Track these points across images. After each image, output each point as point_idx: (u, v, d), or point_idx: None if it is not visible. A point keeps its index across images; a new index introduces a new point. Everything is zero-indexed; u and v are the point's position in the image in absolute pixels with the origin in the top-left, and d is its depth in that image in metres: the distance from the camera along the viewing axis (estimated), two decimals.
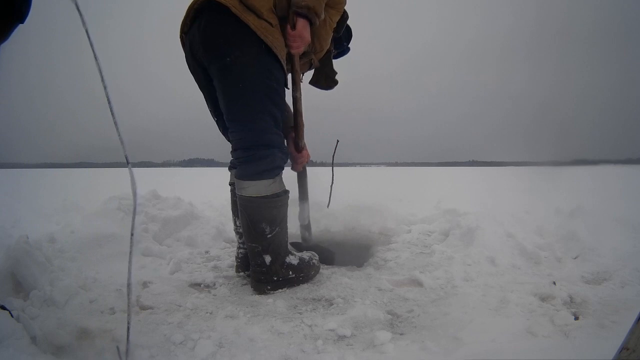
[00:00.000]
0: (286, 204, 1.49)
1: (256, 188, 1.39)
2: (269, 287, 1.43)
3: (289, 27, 1.43)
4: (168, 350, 1.03)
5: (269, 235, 1.42)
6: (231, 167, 1.65)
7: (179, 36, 1.50)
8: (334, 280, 1.51)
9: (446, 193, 3.11)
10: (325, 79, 1.77)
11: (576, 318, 1.18)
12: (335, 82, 1.78)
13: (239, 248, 1.64)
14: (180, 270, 1.65)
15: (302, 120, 1.59)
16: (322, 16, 1.45)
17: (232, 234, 2.21)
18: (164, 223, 2.06)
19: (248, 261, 1.60)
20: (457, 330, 1.11)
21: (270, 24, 1.36)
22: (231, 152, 1.54)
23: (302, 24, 1.42)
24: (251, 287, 1.46)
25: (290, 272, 1.46)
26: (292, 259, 1.49)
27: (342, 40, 1.78)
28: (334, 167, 1.92)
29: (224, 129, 1.56)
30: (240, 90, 1.34)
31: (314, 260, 1.56)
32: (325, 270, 1.69)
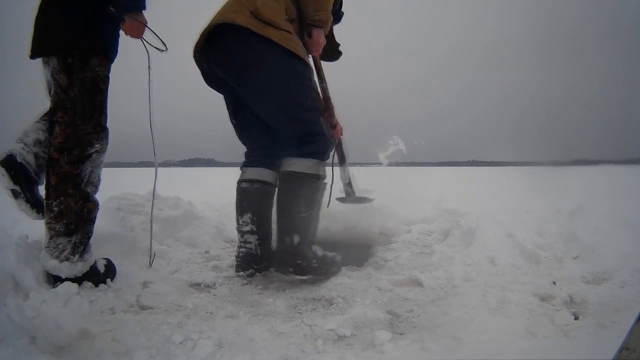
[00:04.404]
0: (323, 192, 1.62)
1: (304, 164, 1.51)
2: (291, 270, 1.48)
3: (305, 36, 1.62)
4: (168, 350, 1.03)
5: (302, 214, 1.49)
6: (245, 166, 1.71)
7: (192, 55, 1.61)
8: (334, 280, 1.51)
9: (446, 193, 3.11)
10: (330, 51, 1.87)
11: (576, 318, 1.18)
12: (339, 53, 1.91)
13: (240, 247, 1.64)
14: (180, 270, 1.65)
15: (331, 102, 1.78)
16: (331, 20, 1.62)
17: (232, 234, 2.20)
18: (164, 223, 2.06)
19: (249, 260, 1.60)
20: (457, 330, 1.11)
21: (289, 32, 1.50)
22: (248, 149, 1.70)
23: (317, 33, 1.62)
24: (275, 269, 1.55)
25: (314, 261, 1.50)
26: (318, 250, 1.55)
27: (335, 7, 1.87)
28: (334, 167, 1.91)
29: (240, 133, 1.72)
30: (283, 96, 1.50)
31: (337, 259, 1.61)
32: None
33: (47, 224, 1.32)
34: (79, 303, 1.14)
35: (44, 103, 1.39)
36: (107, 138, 1.40)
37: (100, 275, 1.39)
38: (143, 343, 1.06)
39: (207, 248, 2.00)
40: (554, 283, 1.43)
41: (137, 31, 1.36)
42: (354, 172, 2.13)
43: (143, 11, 1.36)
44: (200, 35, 1.53)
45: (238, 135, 1.74)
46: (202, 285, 1.51)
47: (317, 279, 1.56)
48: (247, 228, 1.62)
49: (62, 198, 1.31)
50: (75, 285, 1.22)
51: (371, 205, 2.20)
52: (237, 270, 1.61)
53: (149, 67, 1.50)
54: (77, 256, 1.32)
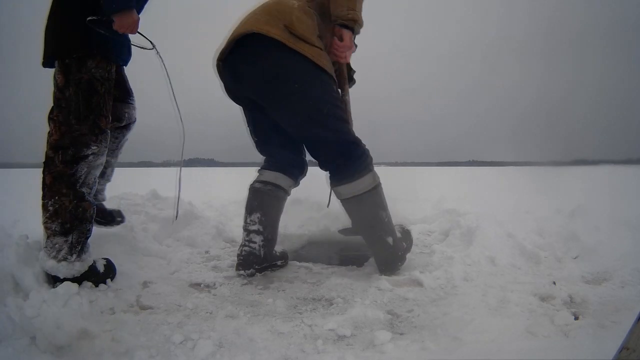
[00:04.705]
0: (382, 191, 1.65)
1: (367, 181, 1.54)
2: (400, 264, 1.60)
3: (335, 39, 1.56)
4: (168, 350, 1.03)
5: (386, 219, 1.59)
6: (263, 168, 1.71)
7: (215, 65, 1.61)
8: (333, 280, 1.51)
9: (446, 193, 3.11)
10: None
11: (576, 318, 1.18)
12: (354, 81, 1.87)
13: (243, 245, 1.62)
14: (180, 270, 1.65)
15: (351, 116, 1.75)
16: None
17: (232, 234, 2.21)
18: (164, 223, 2.06)
19: (251, 260, 1.60)
20: (457, 330, 1.11)
21: (320, 49, 1.51)
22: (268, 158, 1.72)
23: (348, 36, 1.55)
24: (379, 272, 1.58)
25: (404, 243, 1.65)
26: (397, 233, 1.65)
27: None
28: None
29: (262, 148, 1.73)
30: (315, 110, 1.49)
31: (407, 229, 1.75)
32: (325, 270, 1.69)
33: (43, 223, 1.33)
34: (78, 303, 1.14)
35: (45, 103, 1.41)
36: (106, 141, 1.40)
37: (99, 275, 1.39)
38: (143, 343, 1.06)
39: (207, 248, 2.00)
40: (554, 283, 1.43)
41: (129, 27, 1.35)
42: None
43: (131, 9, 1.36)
44: (227, 44, 1.53)
45: (259, 150, 1.76)
46: (202, 285, 1.51)
47: (318, 280, 1.56)
48: (254, 227, 1.62)
49: (56, 197, 1.32)
50: (75, 285, 1.22)
51: None
52: (237, 269, 1.61)
53: (163, 65, 1.59)
54: (74, 256, 1.32)
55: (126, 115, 1.62)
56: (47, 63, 1.40)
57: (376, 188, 1.57)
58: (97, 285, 1.36)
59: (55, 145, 1.33)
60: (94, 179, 1.40)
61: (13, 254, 1.29)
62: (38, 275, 1.29)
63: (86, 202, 1.36)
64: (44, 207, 1.33)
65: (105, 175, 1.64)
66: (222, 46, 1.56)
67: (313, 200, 2.38)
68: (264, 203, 1.65)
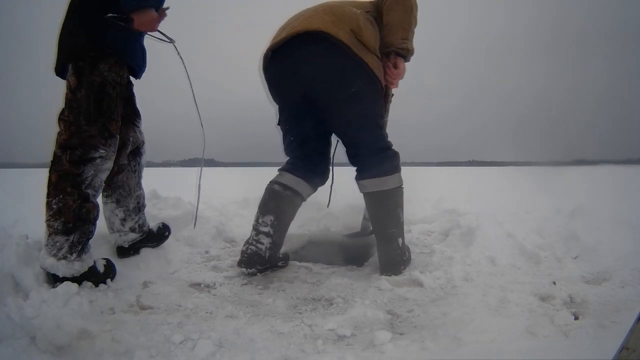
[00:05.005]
0: None
1: (394, 180, 1.62)
2: (403, 267, 1.62)
3: (389, 66, 1.65)
4: (168, 350, 1.03)
5: (401, 220, 1.65)
6: (285, 170, 1.71)
7: (263, 56, 1.63)
8: (333, 280, 1.51)
9: (446, 193, 3.11)
10: None
11: (576, 318, 1.18)
12: (390, 99, 1.93)
13: (250, 243, 1.60)
14: (180, 270, 1.65)
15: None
16: None
17: (232, 234, 2.21)
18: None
19: (255, 260, 1.59)
20: (457, 330, 1.11)
21: (379, 57, 1.59)
22: (294, 159, 1.73)
23: (403, 65, 1.67)
24: (382, 272, 1.58)
25: (406, 252, 1.68)
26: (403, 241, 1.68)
27: None
28: (334, 167, 1.91)
29: (295, 147, 1.73)
30: (366, 113, 1.58)
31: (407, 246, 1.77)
32: (325, 270, 1.69)
33: (46, 221, 1.33)
34: (79, 303, 1.14)
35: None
36: (114, 146, 1.41)
37: (99, 276, 1.39)
38: (143, 343, 1.06)
39: (207, 248, 1.99)
40: (554, 283, 1.43)
41: (149, 25, 1.38)
42: None
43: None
44: (285, 36, 1.54)
45: (289, 151, 1.75)
46: (202, 285, 1.51)
47: (318, 280, 1.56)
48: (265, 229, 1.61)
49: (61, 196, 1.32)
50: (75, 285, 1.22)
51: None
52: (239, 265, 1.60)
53: (183, 63, 1.62)
54: (74, 255, 1.32)
55: (131, 139, 1.58)
56: (60, 69, 1.42)
57: (400, 188, 1.65)
58: (97, 286, 1.37)
59: (63, 145, 1.34)
60: (100, 182, 1.41)
61: (13, 254, 1.29)
62: (38, 275, 1.29)
63: (90, 203, 1.37)
64: (48, 205, 1.33)
65: (141, 207, 1.66)
66: (277, 38, 1.57)
67: (313, 201, 2.38)
68: (280, 207, 1.65)
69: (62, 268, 1.30)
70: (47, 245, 1.32)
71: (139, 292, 1.40)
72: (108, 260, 1.45)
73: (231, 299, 1.39)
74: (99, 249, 1.61)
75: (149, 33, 1.45)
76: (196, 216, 1.92)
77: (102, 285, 1.37)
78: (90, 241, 1.40)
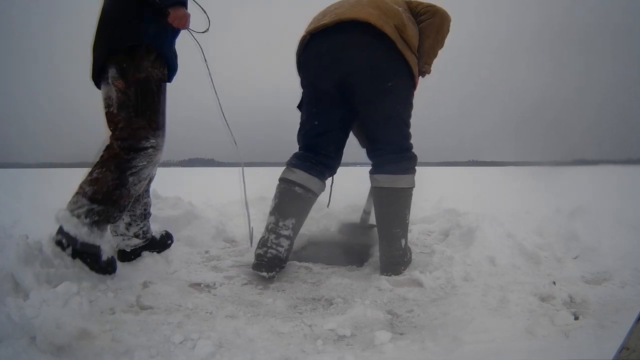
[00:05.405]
0: None
1: (408, 180, 1.65)
2: (403, 268, 1.62)
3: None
4: (168, 350, 1.03)
5: (407, 221, 1.67)
6: (302, 169, 1.66)
7: (301, 39, 1.64)
8: (333, 280, 1.51)
9: (446, 193, 3.11)
10: None
11: (576, 318, 1.18)
12: None
13: (269, 247, 1.56)
14: (180, 270, 1.65)
15: None
16: None
17: (232, 234, 2.21)
18: (164, 223, 2.06)
19: (275, 263, 1.56)
20: (457, 330, 1.11)
21: (416, 57, 1.64)
22: (309, 152, 1.71)
23: (417, 81, 1.74)
24: (383, 271, 1.59)
25: (408, 253, 1.68)
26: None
27: None
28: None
29: (315, 134, 1.69)
30: (398, 109, 1.62)
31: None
32: (325, 270, 1.69)
33: (80, 184, 1.40)
34: (78, 303, 1.14)
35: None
36: (163, 137, 1.49)
37: (98, 261, 1.39)
38: (143, 343, 1.06)
39: (207, 248, 1.99)
40: (554, 283, 1.43)
41: (182, 21, 1.46)
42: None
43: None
44: (326, 22, 1.54)
45: (310, 136, 1.70)
46: (202, 285, 1.51)
47: (318, 280, 1.56)
48: (286, 232, 1.59)
49: (104, 169, 1.39)
50: (75, 285, 1.22)
51: (372, 205, 2.20)
52: (260, 270, 1.55)
53: (204, 59, 1.64)
54: (87, 220, 1.35)
55: (155, 171, 1.62)
56: (97, 74, 1.49)
57: (411, 189, 1.67)
58: (91, 268, 1.38)
59: (117, 137, 1.41)
60: (147, 175, 1.48)
61: (13, 254, 1.29)
62: (38, 275, 1.29)
63: (125, 190, 1.41)
64: (90, 173, 1.40)
65: (147, 215, 1.69)
66: (318, 23, 1.58)
67: None
68: (301, 210, 1.65)
69: (69, 223, 1.33)
70: (70, 202, 1.37)
71: (139, 292, 1.39)
72: (112, 257, 1.47)
73: (231, 299, 1.39)
74: None
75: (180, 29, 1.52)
76: (251, 241, 1.91)
77: (102, 285, 1.37)
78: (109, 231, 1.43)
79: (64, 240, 1.32)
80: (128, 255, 1.62)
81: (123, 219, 1.60)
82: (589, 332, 1.10)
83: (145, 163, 1.43)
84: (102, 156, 1.42)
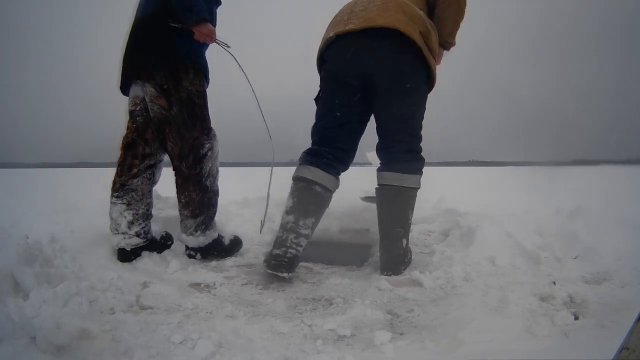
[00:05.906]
0: None
1: (414, 180, 1.68)
2: (403, 268, 1.63)
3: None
4: (168, 350, 1.03)
5: (409, 221, 1.69)
6: (318, 167, 1.65)
7: (327, 37, 1.67)
8: (333, 280, 1.51)
9: (446, 193, 3.11)
10: None
11: (576, 318, 1.18)
12: None
13: (289, 247, 1.55)
14: (180, 270, 1.65)
15: None
16: None
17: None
18: (164, 223, 2.05)
19: (295, 262, 1.56)
20: (457, 330, 1.11)
21: (437, 63, 1.71)
22: (324, 147, 1.70)
23: (442, 54, 1.80)
24: (383, 271, 1.60)
25: (409, 254, 1.70)
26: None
27: None
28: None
29: (332, 128, 1.70)
30: (413, 110, 1.67)
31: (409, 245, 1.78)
32: (325, 270, 1.70)
33: (179, 210, 1.72)
34: (78, 303, 1.14)
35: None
36: (215, 135, 1.70)
37: (223, 247, 1.78)
38: (143, 343, 1.06)
39: None
40: (554, 283, 1.43)
41: (208, 37, 1.56)
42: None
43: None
44: (352, 27, 1.57)
45: (328, 127, 1.70)
46: (202, 285, 1.51)
47: (318, 280, 1.56)
48: (306, 232, 1.59)
49: (186, 193, 1.67)
50: (75, 285, 1.22)
51: (371, 205, 2.20)
52: (279, 271, 1.52)
53: (239, 66, 1.75)
54: (198, 232, 1.70)
55: (163, 156, 1.74)
56: (126, 86, 1.64)
57: (416, 190, 1.70)
58: (222, 257, 1.78)
59: (179, 156, 1.63)
60: (217, 169, 1.72)
61: (13, 254, 1.29)
62: (38, 275, 1.29)
63: (210, 192, 1.70)
64: (178, 199, 1.70)
65: (149, 215, 1.73)
66: (344, 26, 1.60)
67: None
68: (320, 210, 1.65)
69: (191, 241, 1.71)
70: (180, 226, 1.73)
71: (139, 292, 1.40)
72: (235, 237, 1.82)
73: (231, 299, 1.39)
74: (100, 249, 1.62)
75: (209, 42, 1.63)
76: (261, 228, 1.95)
77: (101, 285, 1.37)
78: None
79: (192, 252, 1.75)
80: (128, 255, 1.63)
81: (125, 217, 1.62)
82: (589, 332, 1.10)
83: (210, 164, 1.67)
84: (177, 181, 1.67)
